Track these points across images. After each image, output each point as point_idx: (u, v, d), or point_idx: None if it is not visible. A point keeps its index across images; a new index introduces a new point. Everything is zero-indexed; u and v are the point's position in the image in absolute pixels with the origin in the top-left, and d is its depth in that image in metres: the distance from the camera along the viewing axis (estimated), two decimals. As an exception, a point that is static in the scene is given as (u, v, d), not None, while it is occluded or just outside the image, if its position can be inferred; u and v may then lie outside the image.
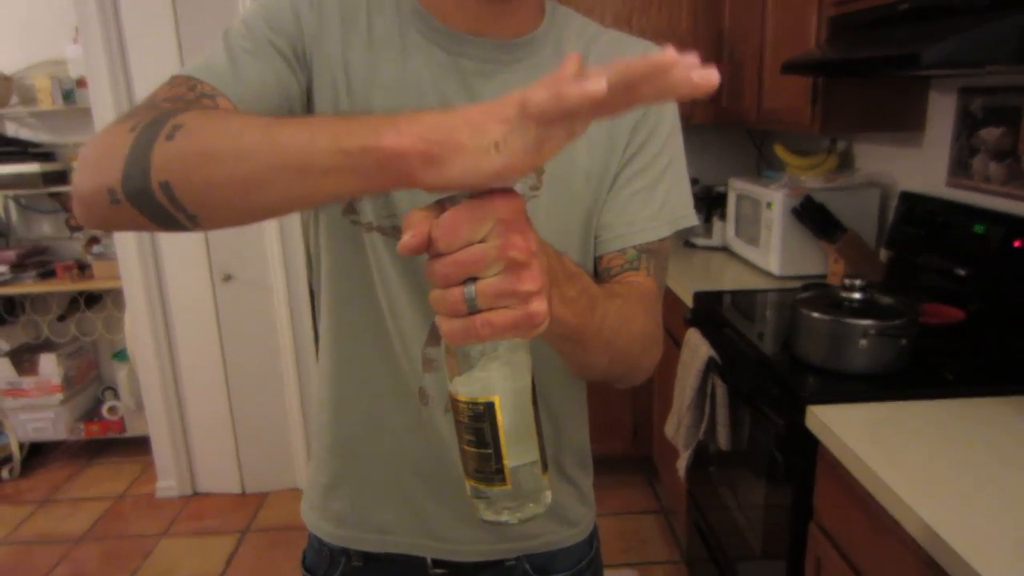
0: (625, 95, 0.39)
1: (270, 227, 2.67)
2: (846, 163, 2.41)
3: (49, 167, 3.00)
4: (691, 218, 0.80)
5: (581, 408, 0.89)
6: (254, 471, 2.95)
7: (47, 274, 3.10)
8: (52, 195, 3.16)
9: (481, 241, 0.45)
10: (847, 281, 1.49)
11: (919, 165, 1.99)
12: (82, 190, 0.55)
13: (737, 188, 2.52)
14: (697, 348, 1.85)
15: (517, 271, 0.45)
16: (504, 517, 0.53)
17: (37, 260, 3.16)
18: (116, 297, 3.08)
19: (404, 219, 0.46)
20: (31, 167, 2.93)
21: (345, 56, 0.70)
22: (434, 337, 0.76)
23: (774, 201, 2.19)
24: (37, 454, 3.34)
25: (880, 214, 2.17)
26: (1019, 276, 1.51)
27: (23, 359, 3.14)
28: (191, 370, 2.85)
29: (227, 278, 2.75)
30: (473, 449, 0.51)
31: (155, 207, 0.51)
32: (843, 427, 1.22)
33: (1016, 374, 1.39)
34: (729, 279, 2.35)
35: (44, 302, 3.27)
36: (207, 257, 2.73)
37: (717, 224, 2.74)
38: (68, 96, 2.95)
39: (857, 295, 1.48)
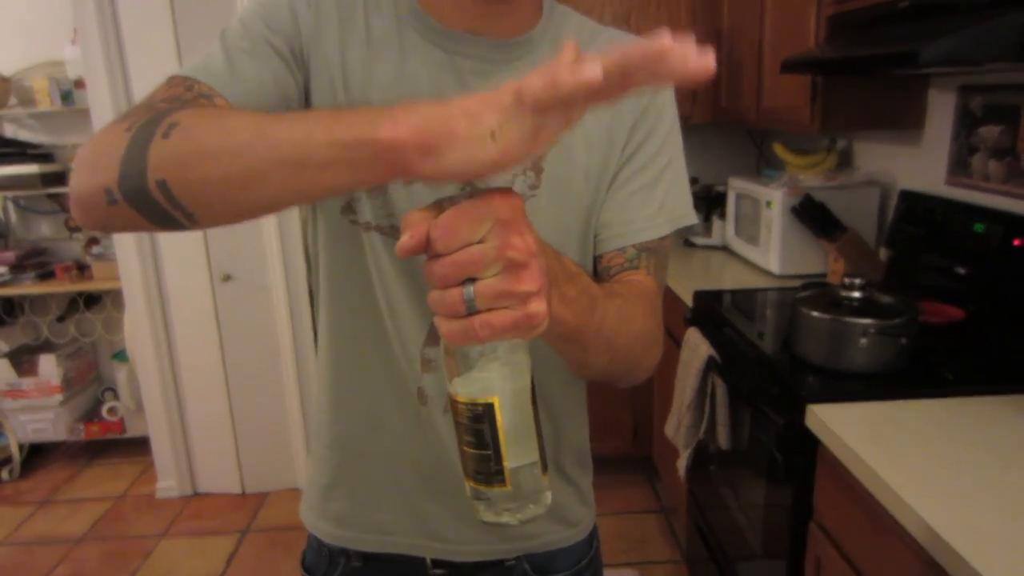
0: (621, 82, 0.39)
1: (269, 227, 2.67)
2: (846, 162, 2.41)
3: (48, 168, 3.00)
4: (691, 217, 0.80)
5: (581, 408, 0.89)
6: (254, 471, 2.95)
7: (46, 275, 3.10)
8: (51, 196, 3.15)
9: (480, 242, 0.44)
10: (847, 280, 1.49)
11: (919, 164, 1.99)
12: (79, 191, 0.55)
13: (737, 187, 2.52)
14: (697, 347, 1.85)
15: (516, 271, 0.45)
16: (504, 518, 0.53)
17: (36, 261, 3.16)
18: (115, 298, 3.08)
19: (402, 220, 0.46)
20: (30, 168, 2.93)
21: (343, 55, 0.70)
22: (433, 337, 0.76)
23: (774, 200, 2.18)
24: (37, 455, 3.34)
25: (880, 213, 2.17)
26: (1019, 275, 1.51)
27: (23, 360, 3.14)
28: (191, 370, 2.85)
29: (226, 278, 2.75)
30: (473, 450, 0.51)
31: (152, 206, 0.51)
32: (843, 426, 1.21)
33: (1016, 373, 1.39)
34: (729, 278, 2.35)
35: (43, 303, 3.27)
36: (206, 257, 2.73)
37: (717, 223, 2.73)
38: (67, 97, 2.94)
39: (857, 294, 1.47)
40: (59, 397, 3.13)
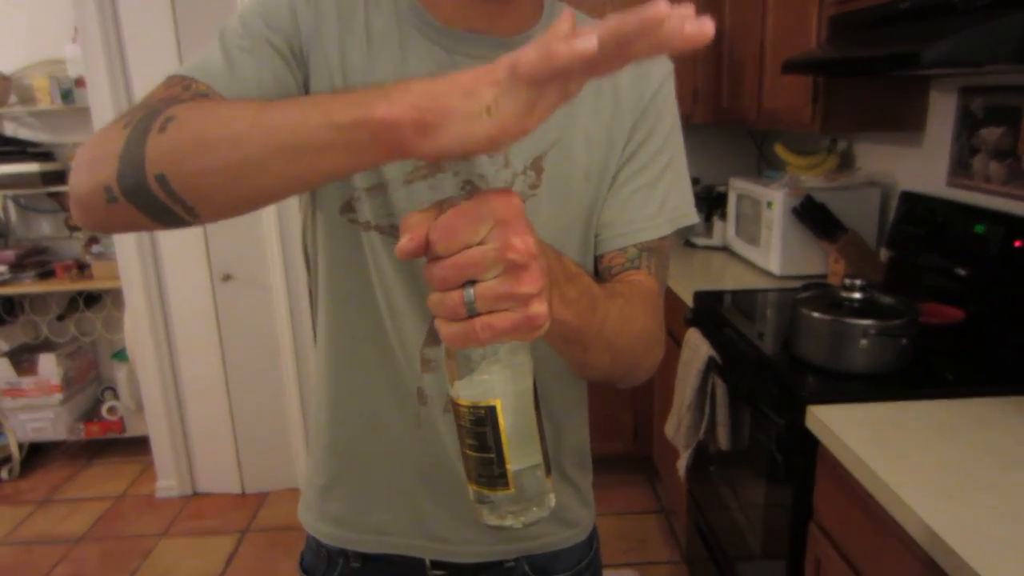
0: (618, 52, 0.38)
1: (269, 227, 2.67)
2: (846, 163, 2.41)
3: (48, 167, 3.00)
4: (692, 216, 0.80)
5: (581, 408, 0.88)
6: (254, 471, 2.95)
7: (46, 274, 3.10)
8: (51, 195, 3.15)
9: (480, 243, 0.44)
10: (847, 281, 1.49)
11: (919, 165, 1.98)
12: (78, 191, 0.55)
13: (737, 188, 2.52)
14: (697, 348, 1.85)
15: (516, 273, 0.45)
16: (508, 522, 0.52)
17: (36, 260, 3.15)
18: (115, 297, 3.08)
19: (402, 222, 0.46)
20: (30, 167, 2.93)
21: (342, 54, 0.70)
22: (432, 337, 0.75)
23: (774, 201, 2.18)
24: (37, 454, 3.34)
25: (880, 214, 2.16)
26: (1019, 276, 1.51)
27: (22, 359, 3.14)
28: (191, 370, 2.85)
29: (227, 278, 2.74)
30: (475, 454, 0.50)
31: (152, 201, 0.51)
32: (843, 427, 1.21)
33: (1016, 374, 1.39)
34: (729, 279, 2.35)
35: (43, 302, 3.27)
36: (207, 257, 2.72)
37: (717, 224, 2.73)
38: (67, 96, 2.94)
39: (857, 295, 1.47)
40: (59, 396, 3.13)
